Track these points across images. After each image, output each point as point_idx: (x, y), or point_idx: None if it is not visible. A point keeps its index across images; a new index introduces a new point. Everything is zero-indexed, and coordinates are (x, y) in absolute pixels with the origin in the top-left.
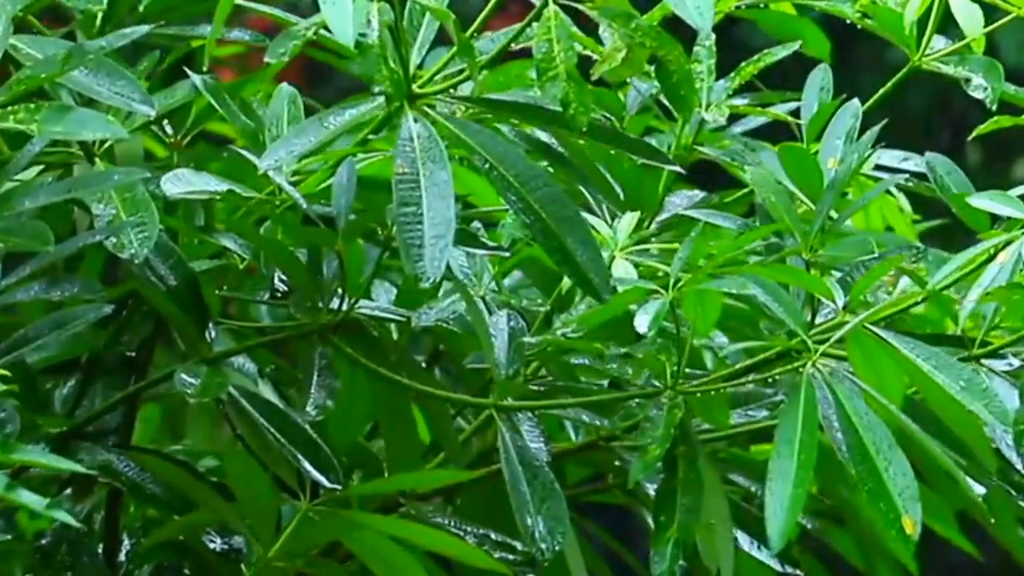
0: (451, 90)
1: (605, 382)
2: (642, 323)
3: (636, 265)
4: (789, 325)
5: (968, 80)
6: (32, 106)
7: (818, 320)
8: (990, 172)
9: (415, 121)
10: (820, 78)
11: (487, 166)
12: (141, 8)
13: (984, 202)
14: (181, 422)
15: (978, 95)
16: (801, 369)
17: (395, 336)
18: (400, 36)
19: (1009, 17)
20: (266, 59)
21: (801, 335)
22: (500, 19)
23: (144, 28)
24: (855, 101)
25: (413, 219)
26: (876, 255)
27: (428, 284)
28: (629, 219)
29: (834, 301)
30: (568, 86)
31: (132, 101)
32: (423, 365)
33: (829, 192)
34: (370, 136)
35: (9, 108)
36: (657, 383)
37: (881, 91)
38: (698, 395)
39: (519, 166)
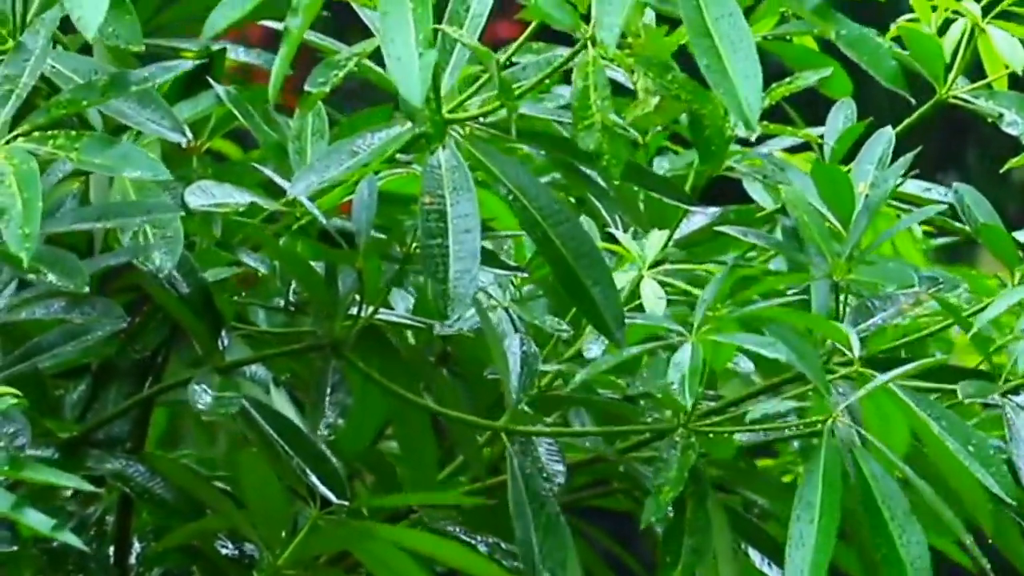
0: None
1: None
2: (676, 378)
3: (663, 285)
4: (812, 382)
5: (1001, 116)
6: (73, 134)
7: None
8: (988, 176)
9: (443, 148)
10: (844, 110)
11: (510, 196)
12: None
13: None
14: (179, 428)
15: (1012, 131)
16: (820, 427)
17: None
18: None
19: None
20: (307, 88)
21: (823, 393)
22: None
23: (188, 63)
24: (888, 128)
25: (439, 252)
26: (914, 290)
27: (452, 322)
28: (657, 237)
29: (851, 351)
30: (603, 137)
31: (163, 128)
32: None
33: (863, 215)
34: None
35: (48, 132)
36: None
37: (905, 122)
38: (710, 436)
39: (542, 199)
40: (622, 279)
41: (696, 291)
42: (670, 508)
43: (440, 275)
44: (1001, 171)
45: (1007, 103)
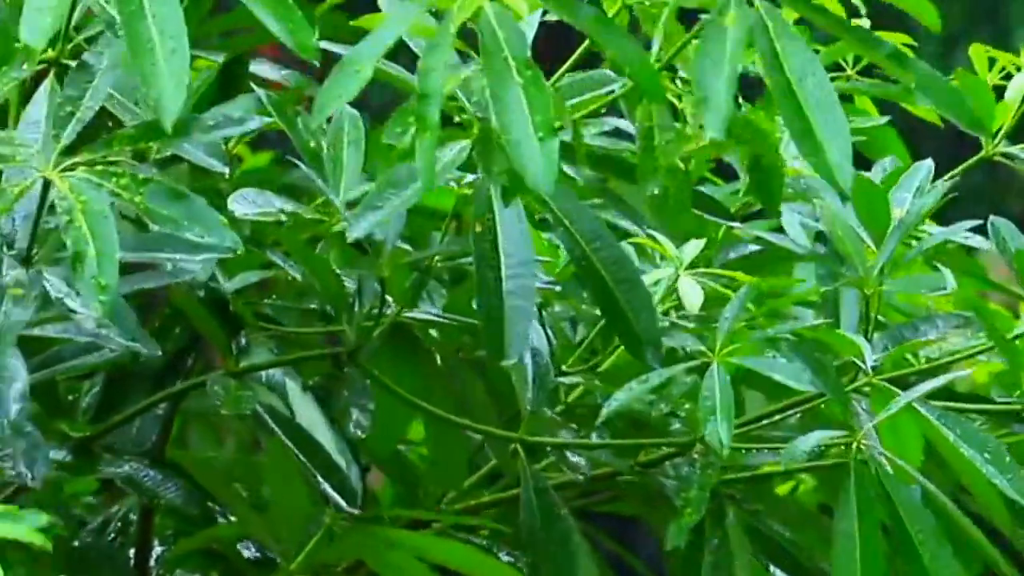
0: None
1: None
2: (707, 408)
3: (702, 286)
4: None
5: None
6: (140, 177)
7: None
8: (988, 177)
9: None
10: (887, 165)
11: (555, 220)
12: None
13: None
14: (187, 432)
15: None
16: (846, 454)
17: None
18: None
19: None
20: (384, 141)
21: (847, 420)
22: None
23: (257, 120)
24: (928, 161)
25: (493, 286)
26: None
27: (507, 363)
28: (696, 243)
29: (864, 363)
30: (668, 181)
31: (212, 161)
32: None
33: (896, 231)
34: None
35: (112, 169)
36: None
37: (948, 175)
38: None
39: (585, 223)
40: (659, 274)
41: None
42: None
43: (495, 312)
44: None
45: None
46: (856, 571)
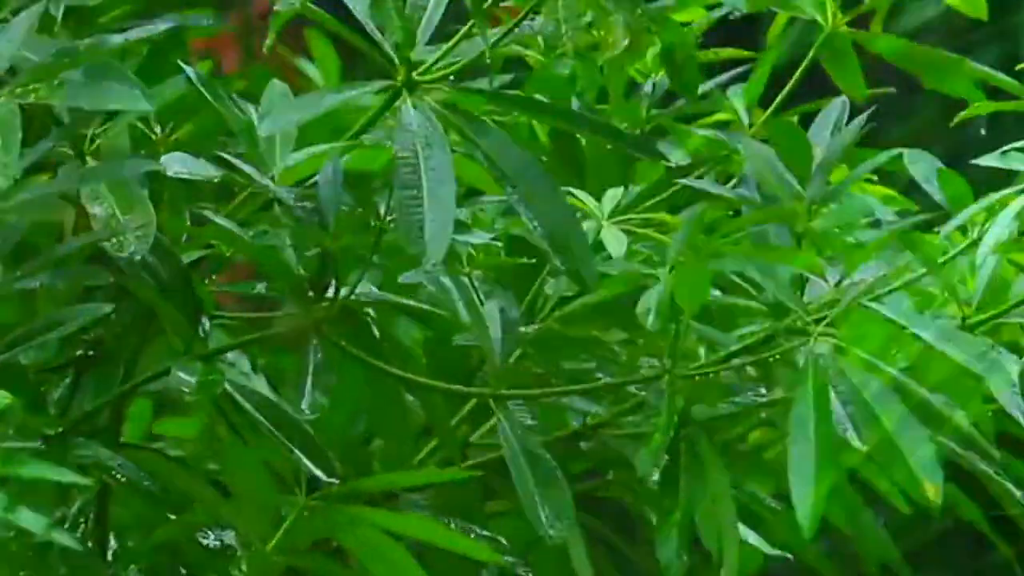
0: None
1: (592, 364)
2: (645, 307)
3: (627, 232)
4: (788, 305)
5: None
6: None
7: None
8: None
9: (415, 108)
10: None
11: (484, 158)
12: None
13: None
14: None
15: None
16: (802, 348)
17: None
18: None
19: None
20: (276, 8)
21: (800, 314)
22: None
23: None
24: (843, 98)
25: (414, 202)
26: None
27: (431, 265)
28: (613, 192)
29: (825, 278)
30: (577, 64)
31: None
32: None
33: (819, 170)
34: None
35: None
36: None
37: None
38: (696, 378)
39: (513, 159)
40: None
41: (658, 236)
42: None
43: (418, 223)
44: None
45: None
46: (811, 459)
